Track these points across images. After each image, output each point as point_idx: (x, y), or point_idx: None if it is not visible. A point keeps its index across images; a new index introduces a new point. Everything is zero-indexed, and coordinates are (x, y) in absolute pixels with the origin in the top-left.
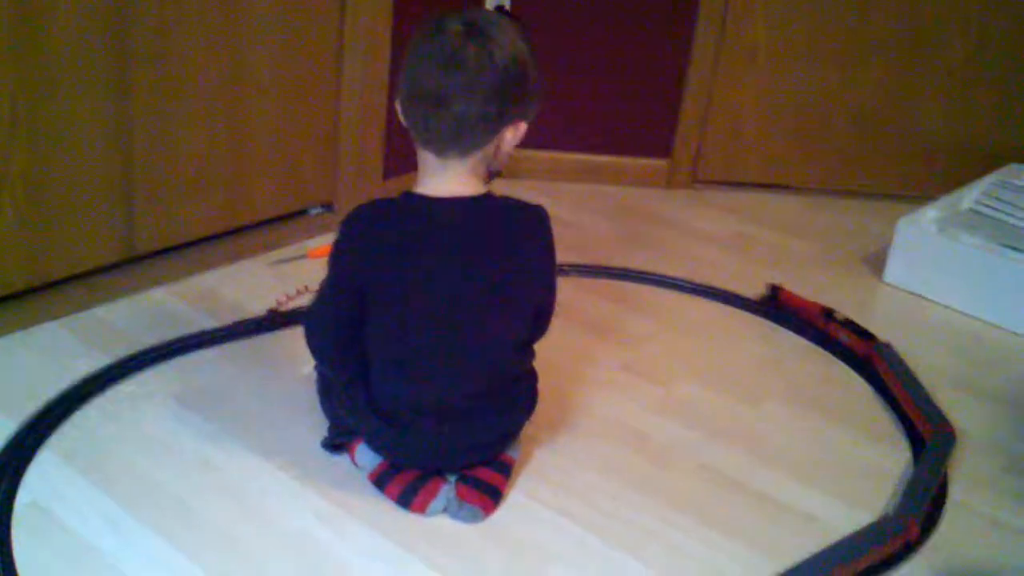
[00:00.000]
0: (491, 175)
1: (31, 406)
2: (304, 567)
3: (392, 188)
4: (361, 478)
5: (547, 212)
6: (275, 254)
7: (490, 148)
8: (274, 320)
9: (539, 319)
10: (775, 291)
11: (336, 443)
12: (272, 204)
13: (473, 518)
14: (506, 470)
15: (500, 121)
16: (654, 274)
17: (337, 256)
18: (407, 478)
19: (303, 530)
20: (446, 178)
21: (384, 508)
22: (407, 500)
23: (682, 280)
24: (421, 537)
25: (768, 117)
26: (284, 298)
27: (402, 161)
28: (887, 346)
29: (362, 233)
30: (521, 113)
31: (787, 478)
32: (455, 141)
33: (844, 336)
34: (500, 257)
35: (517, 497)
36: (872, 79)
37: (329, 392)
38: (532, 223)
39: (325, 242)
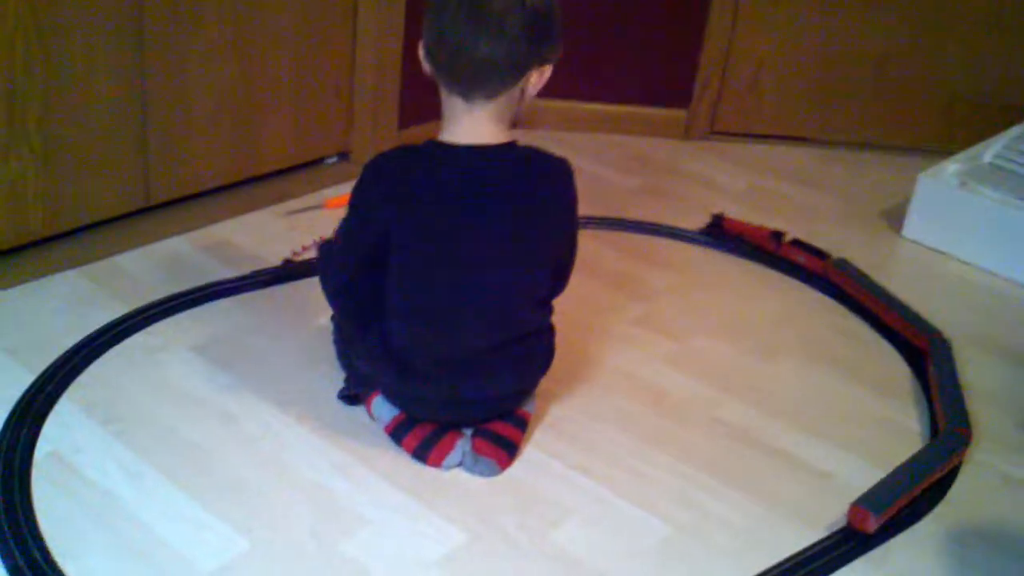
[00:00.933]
0: (514, 121)
1: (50, 355)
2: (320, 518)
3: (408, 137)
4: (377, 430)
5: (572, 166)
6: (291, 204)
7: (516, 92)
8: (290, 270)
9: (559, 274)
10: (718, 219)
11: (352, 394)
12: (287, 153)
13: (489, 472)
14: (522, 424)
15: (527, 63)
16: (670, 226)
17: (359, 198)
18: (423, 431)
19: (320, 481)
20: (472, 124)
21: (400, 460)
22: (423, 453)
23: (698, 234)
24: (437, 490)
25: (786, 68)
26: (300, 248)
27: (419, 110)
28: (843, 261)
29: (386, 177)
30: (547, 55)
31: (801, 433)
32: (482, 84)
33: (799, 256)
34: (523, 208)
35: (532, 452)
36: (892, 30)
37: (346, 343)
38: (557, 175)
39: (341, 192)
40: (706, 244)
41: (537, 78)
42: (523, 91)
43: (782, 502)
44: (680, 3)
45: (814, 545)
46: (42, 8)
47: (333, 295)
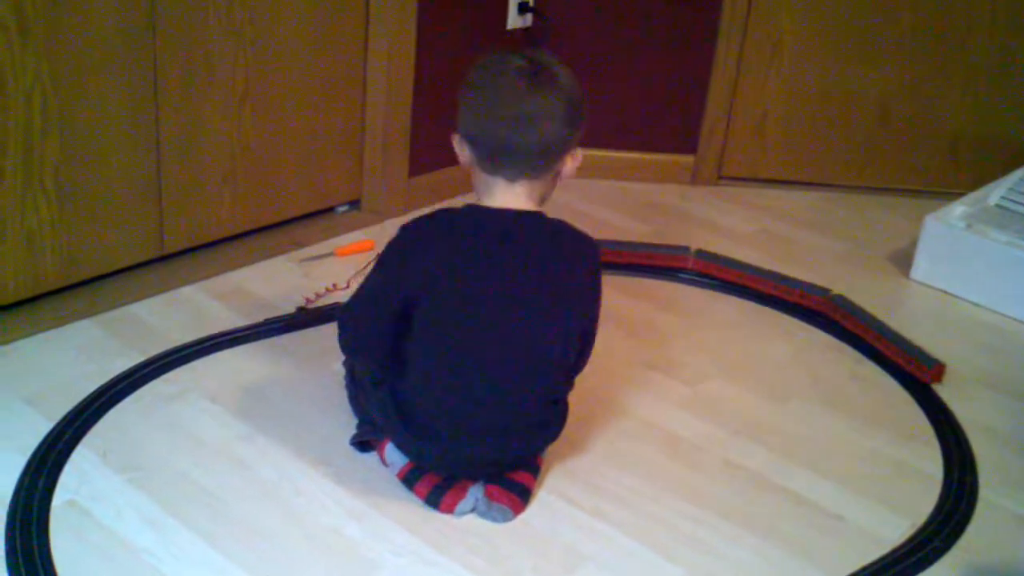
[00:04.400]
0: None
1: (67, 404)
2: (335, 565)
3: (418, 186)
4: (391, 476)
5: (597, 246)
6: (302, 252)
7: (552, 174)
8: (304, 317)
9: (581, 348)
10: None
11: (364, 440)
12: (299, 202)
13: (503, 518)
14: (535, 470)
15: (568, 145)
16: (680, 270)
17: (393, 256)
18: (436, 478)
19: (335, 528)
20: (509, 196)
21: (414, 507)
22: (435, 500)
23: (708, 277)
24: (451, 536)
25: (791, 114)
26: (313, 295)
27: (428, 159)
28: None
29: (424, 236)
30: (578, 138)
31: (816, 477)
32: (533, 163)
33: None
34: (552, 271)
35: (546, 496)
36: (896, 73)
37: (358, 390)
38: (584, 248)
39: (352, 240)
40: (714, 288)
41: (571, 162)
42: (557, 174)
43: (796, 546)
44: (686, 51)
45: None
46: (60, 63)
47: (351, 351)
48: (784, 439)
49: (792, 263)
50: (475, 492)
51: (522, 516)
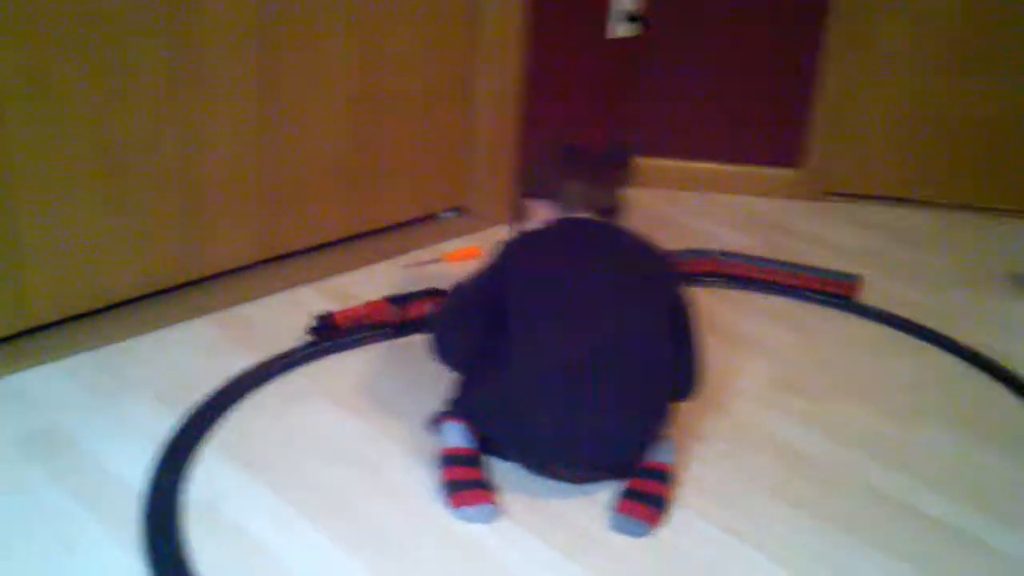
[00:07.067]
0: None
1: (187, 400)
2: (466, 571)
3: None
4: (526, 485)
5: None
6: (408, 257)
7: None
8: (420, 322)
9: (681, 349)
10: (326, 319)
11: (438, 418)
12: (405, 208)
13: (639, 531)
14: (666, 478)
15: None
16: (798, 287)
17: (488, 268)
18: (466, 474)
19: (465, 532)
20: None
21: (549, 517)
22: (451, 490)
23: (824, 293)
24: (586, 548)
25: (901, 130)
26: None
27: None
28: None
29: (517, 248)
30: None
31: (951, 501)
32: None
33: (428, 306)
34: (630, 262)
35: (678, 511)
36: (1011, 89)
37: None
38: (655, 248)
39: (460, 246)
40: (825, 303)
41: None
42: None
43: (937, 572)
44: (791, 62)
45: None
46: (184, 62)
47: (441, 355)
48: (919, 461)
49: (902, 282)
50: (489, 512)
51: (656, 531)
